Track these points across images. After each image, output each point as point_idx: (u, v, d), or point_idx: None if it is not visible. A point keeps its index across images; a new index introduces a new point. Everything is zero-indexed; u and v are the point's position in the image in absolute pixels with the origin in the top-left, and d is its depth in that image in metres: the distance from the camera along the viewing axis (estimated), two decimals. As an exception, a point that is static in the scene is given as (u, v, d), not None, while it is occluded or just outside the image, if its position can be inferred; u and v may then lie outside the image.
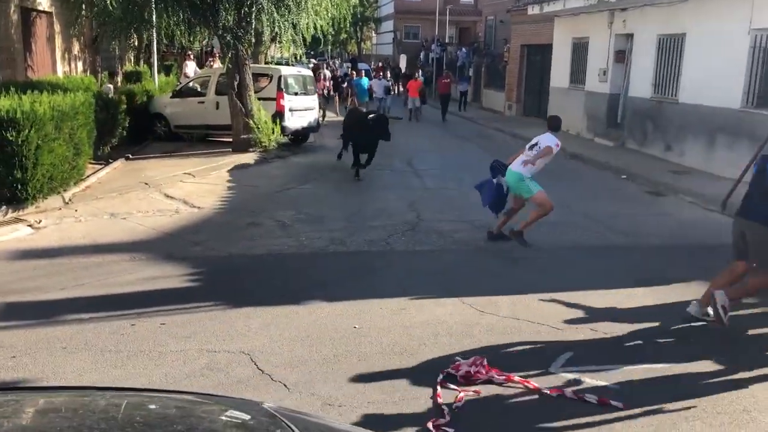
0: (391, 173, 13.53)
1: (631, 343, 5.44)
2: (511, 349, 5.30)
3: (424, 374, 4.83)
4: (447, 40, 41.92)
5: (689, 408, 4.41)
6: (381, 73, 28.01)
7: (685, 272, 7.41)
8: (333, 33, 20.01)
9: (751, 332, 5.82)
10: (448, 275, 7.21)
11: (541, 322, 5.87)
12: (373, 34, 60.58)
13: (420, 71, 29.34)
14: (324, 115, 23.13)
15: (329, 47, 47.84)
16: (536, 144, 8.30)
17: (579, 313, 6.11)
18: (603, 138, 17.32)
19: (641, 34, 15.83)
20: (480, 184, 8.87)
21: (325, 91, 24.58)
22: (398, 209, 10.32)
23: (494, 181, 8.58)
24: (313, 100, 17.65)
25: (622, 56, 16.94)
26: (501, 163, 8.68)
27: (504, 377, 4.71)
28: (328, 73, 27.67)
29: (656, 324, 5.89)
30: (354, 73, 26.89)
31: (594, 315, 6.07)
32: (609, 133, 17.26)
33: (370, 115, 13.07)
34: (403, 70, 32.80)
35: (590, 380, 4.78)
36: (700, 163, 13.52)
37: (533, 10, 20.32)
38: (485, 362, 4.83)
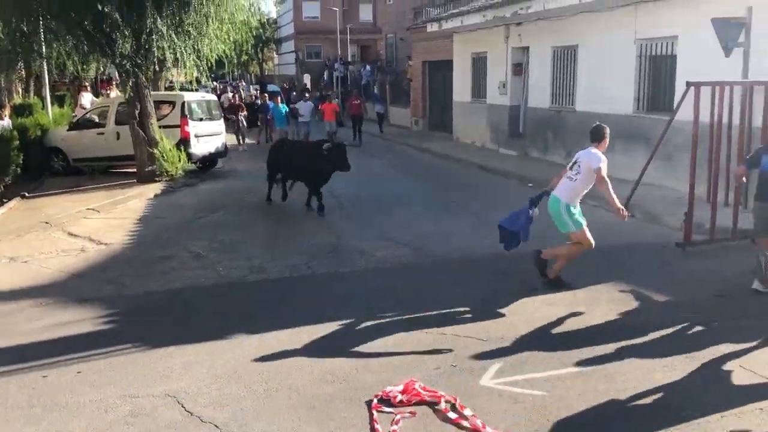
0: (306, 194, 13.42)
1: (559, 347, 5.60)
2: (441, 365, 5.33)
3: (358, 400, 4.78)
4: (350, 59, 42.32)
5: (622, 406, 4.58)
6: (307, 94, 25.93)
7: (599, 273, 7.72)
8: (236, 56, 19.56)
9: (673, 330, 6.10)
10: (373, 295, 7.20)
11: (468, 335, 5.95)
12: (275, 55, 60.34)
13: (333, 93, 28.72)
14: (242, 142, 22.54)
15: (232, 70, 47.16)
16: (576, 162, 7.19)
17: (504, 323, 6.24)
18: (507, 148, 17.89)
19: (536, 47, 16.50)
20: (512, 218, 7.58)
21: (242, 119, 22.78)
22: (317, 231, 10.25)
23: (530, 212, 7.46)
24: (219, 125, 17.34)
25: (519, 69, 17.59)
26: (541, 195, 7.63)
27: (434, 396, 4.70)
28: (233, 94, 27.03)
29: (580, 327, 6.10)
30: (266, 96, 25.34)
31: (518, 324, 6.21)
32: (512, 143, 17.85)
33: (325, 145, 11.42)
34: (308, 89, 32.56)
35: (519, 389, 4.87)
36: (599, 168, 14.16)
37: (432, 28, 20.80)
38: (415, 385, 4.82)
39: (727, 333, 5.84)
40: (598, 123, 7.38)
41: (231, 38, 15.13)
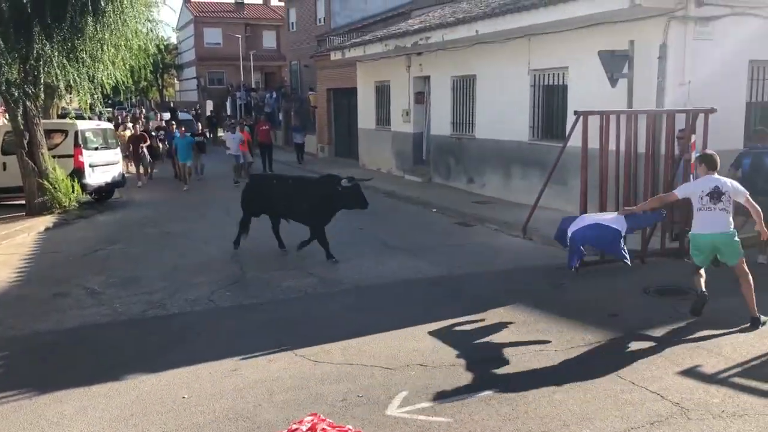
0: (212, 226, 13.10)
1: (462, 373, 5.68)
2: (348, 397, 5.29)
3: (263, 437, 4.67)
4: (253, 85, 41.98)
5: (526, 429, 4.68)
6: (232, 122, 23.69)
7: (502, 295, 7.92)
8: (133, 83, 18.78)
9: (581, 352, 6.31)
10: (278, 327, 7.08)
11: (374, 365, 5.94)
12: (176, 81, 58.99)
13: (243, 120, 25.73)
14: (150, 174, 20.78)
15: (129, 97, 45.61)
16: (724, 193, 6.73)
17: (410, 350, 6.27)
18: (412, 175, 18.19)
19: (437, 76, 16.95)
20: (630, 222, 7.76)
21: (146, 151, 20.25)
22: (220, 262, 10.01)
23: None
24: (115, 154, 16.73)
25: (421, 97, 18.00)
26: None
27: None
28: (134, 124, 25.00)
29: (483, 352, 6.21)
30: (173, 126, 22.96)
31: (423, 350, 6.27)
32: (417, 169, 18.18)
33: (344, 180, 9.91)
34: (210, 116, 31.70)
35: (425, 417, 4.90)
36: (499, 193, 14.66)
37: (335, 56, 20.99)
38: (323, 424, 4.72)
39: (621, 351, 6.12)
40: (709, 153, 7.33)
41: (127, 64, 14.68)
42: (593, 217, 8.19)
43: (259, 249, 10.90)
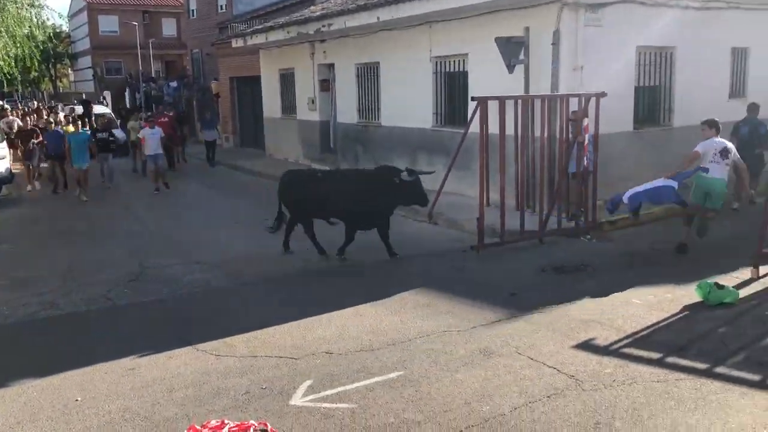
0: (111, 221, 12.55)
1: (368, 359, 5.69)
2: (251, 390, 5.19)
3: (161, 437, 4.51)
4: (153, 75, 40.47)
5: (429, 409, 4.73)
6: (150, 115, 20.21)
7: (407, 280, 7.99)
8: (20, 73, 17.48)
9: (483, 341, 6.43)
10: (179, 323, 6.86)
11: (279, 356, 5.86)
12: (70, 71, 56.10)
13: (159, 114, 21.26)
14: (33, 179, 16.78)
15: (18, 88, 42.96)
16: (728, 150, 8.75)
17: (316, 339, 6.22)
18: (319, 163, 18.00)
19: (341, 63, 16.86)
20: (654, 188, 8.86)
21: (36, 148, 16.87)
22: (119, 259, 9.60)
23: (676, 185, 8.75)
24: (1, 149, 15.72)
25: (327, 85, 17.86)
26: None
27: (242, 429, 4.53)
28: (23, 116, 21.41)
29: (388, 336, 6.24)
30: (61, 118, 19.23)
31: (329, 338, 6.23)
32: (324, 158, 18.05)
33: (404, 172, 9.10)
34: (108, 107, 29.35)
35: (329, 405, 4.88)
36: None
37: (237, 43, 20.50)
38: (224, 429, 4.54)
39: (520, 329, 6.30)
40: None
41: (11, 53, 13.79)
42: (644, 186, 9.05)
43: (161, 245, 10.53)
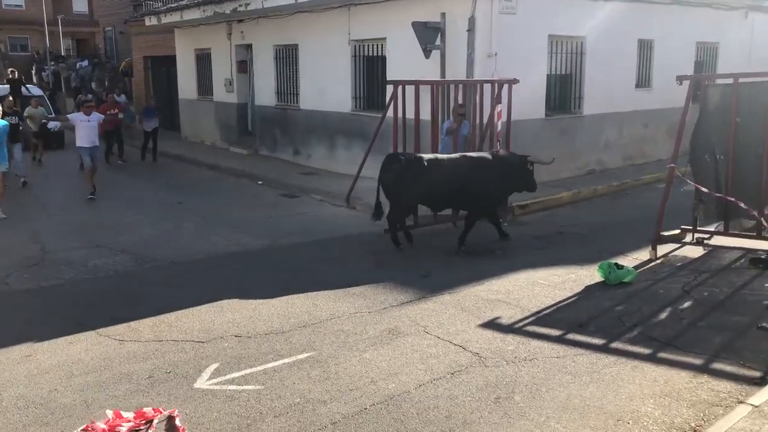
0: (11, 207, 11.90)
1: (277, 341, 5.64)
2: (155, 374, 5.07)
3: (61, 427, 4.34)
4: (63, 53, 38.60)
5: (335, 388, 4.75)
6: (87, 100, 16.18)
7: (322, 264, 7.98)
8: None
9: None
10: (81, 309, 6.61)
11: (185, 339, 5.74)
12: (-30, 47, 52.71)
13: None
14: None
15: None
16: None
17: (225, 322, 6.13)
18: (237, 147, 17.73)
19: (259, 44, 16.55)
20: None
21: None
22: (18, 243, 9.14)
23: None
24: None
25: (244, 66, 17.51)
26: None
27: (140, 419, 4.39)
28: None
29: (298, 319, 6.21)
30: None
31: (239, 321, 6.16)
32: (242, 141, 17.74)
33: (530, 156, 8.95)
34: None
35: (235, 387, 4.83)
36: (325, 164, 14.71)
37: (151, 21, 19.78)
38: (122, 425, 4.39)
39: (429, 309, 6.40)
40: None
41: None
42: None
43: (65, 227, 10.10)
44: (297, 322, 6.12)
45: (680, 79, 8.49)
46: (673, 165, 8.22)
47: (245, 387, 4.82)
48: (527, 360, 5.19)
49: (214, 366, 5.19)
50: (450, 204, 9.27)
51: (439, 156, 9.05)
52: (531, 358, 5.23)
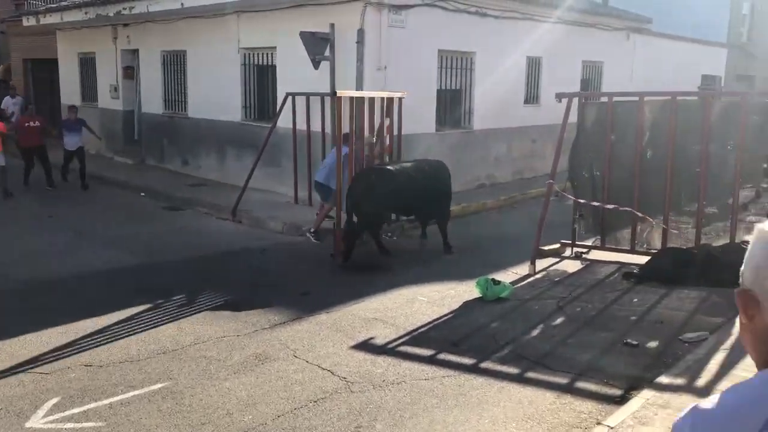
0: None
1: (131, 370, 5.21)
2: (-16, 412, 4.54)
3: None
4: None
5: (185, 423, 4.39)
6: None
7: (196, 282, 7.55)
8: None
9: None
10: None
11: (27, 370, 5.21)
12: None
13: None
14: None
15: None
16: None
17: (75, 350, 5.63)
18: (122, 156, 16.85)
19: (146, 50, 15.82)
20: None
21: None
22: None
23: None
24: None
25: (131, 72, 16.69)
26: None
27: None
28: None
29: (164, 342, 5.79)
30: None
31: (92, 348, 5.66)
32: (128, 150, 16.87)
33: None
34: None
35: (73, 424, 4.38)
36: (215, 175, 14.18)
37: (29, 22, 18.54)
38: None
39: (303, 331, 6.13)
40: None
41: None
42: None
43: None
44: (157, 348, 5.70)
45: (559, 96, 8.67)
46: (551, 181, 8.35)
47: (84, 424, 4.38)
48: (395, 383, 5.01)
49: (54, 401, 4.71)
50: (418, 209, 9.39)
51: (403, 164, 9.46)
52: (399, 381, 5.05)
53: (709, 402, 1.17)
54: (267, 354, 5.57)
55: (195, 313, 6.58)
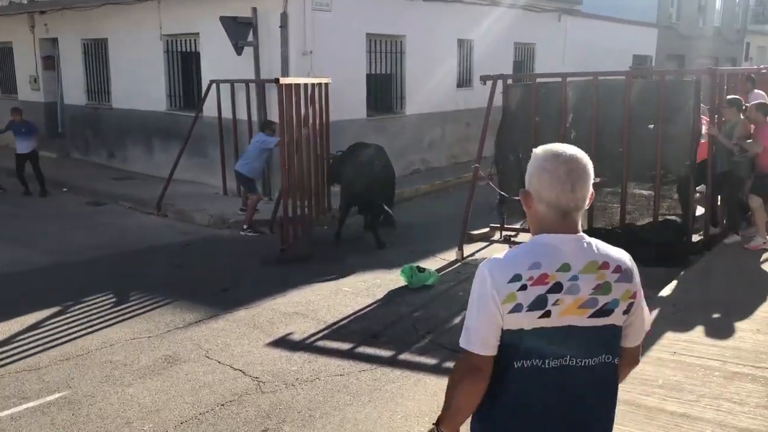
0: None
1: (29, 378, 4.89)
2: None
3: None
4: None
5: (73, 439, 4.12)
6: None
7: (114, 280, 7.21)
8: None
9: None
10: None
11: None
12: None
13: None
14: None
15: None
16: None
17: (-31, 361, 5.26)
18: (46, 150, 16.00)
19: (66, 38, 15.11)
20: None
21: None
22: None
23: None
24: None
25: (51, 62, 15.93)
26: None
27: None
28: None
29: (70, 347, 5.46)
30: None
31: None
32: (51, 143, 16.07)
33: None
34: None
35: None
36: (142, 167, 13.68)
37: (-63, 9, 17.50)
38: None
39: (219, 329, 5.89)
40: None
41: None
42: None
43: None
44: (60, 354, 5.37)
45: (484, 79, 8.57)
46: (477, 165, 8.26)
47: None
48: (309, 381, 4.83)
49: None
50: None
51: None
52: (313, 378, 4.87)
53: (500, 254, 1.94)
54: (177, 355, 5.31)
55: (105, 315, 6.26)
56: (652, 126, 7.75)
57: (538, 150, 1.94)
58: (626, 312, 1.89)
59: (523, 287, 1.81)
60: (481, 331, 1.85)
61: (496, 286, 1.83)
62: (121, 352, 5.40)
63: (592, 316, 1.84)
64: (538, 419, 1.86)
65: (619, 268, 1.87)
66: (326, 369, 5.02)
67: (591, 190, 1.91)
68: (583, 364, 1.85)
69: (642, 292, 1.94)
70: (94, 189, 12.46)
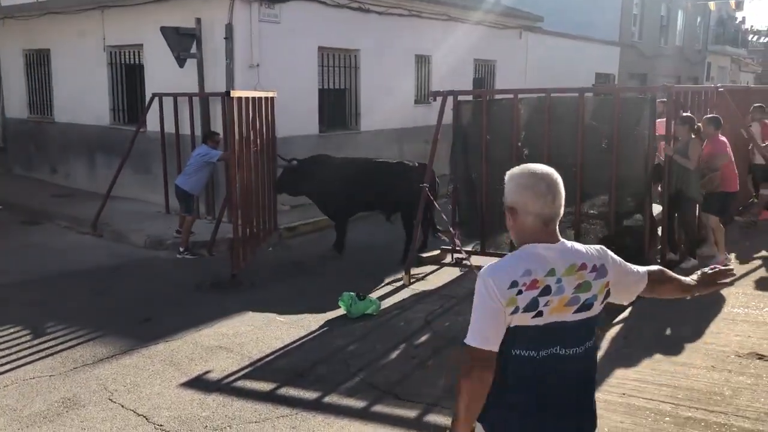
0: None
1: None
2: None
3: None
4: None
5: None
6: None
7: (19, 312, 6.58)
8: None
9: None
10: None
11: None
12: None
13: None
14: None
15: None
16: None
17: None
18: (-14, 165, 15.35)
19: (7, 49, 14.44)
20: None
21: None
22: None
23: None
24: None
25: (-8, 73, 15.24)
26: None
27: None
28: None
29: None
30: None
31: None
32: (-8, 159, 15.41)
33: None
34: None
35: None
36: (84, 184, 13.03)
37: None
38: None
39: (131, 366, 5.34)
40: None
41: None
42: None
43: None
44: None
45: (433, 95, 8.20)
46: (425, 185, 7.83)
47: None
48: (219, 429, 4.30)
49: None
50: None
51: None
52: (225, 426, 4.34)
53: (496, 261, 2.23)
54: (77, 398, 4.74)
55: (7, 351, 5.66)
56: (605, 144, 7.41)
57: (514, 170, 2.25)
58: (603, 302, 2.23)
59: (520, 292, 2.12)
60: (487, 330, 2.13)
61: (500, 291, 2.12)
62: (14, 395, 4.82)
63: (577, 311, 2.17)
64: (536, 400, 2.16)
65: (595, 267, 2.20)
66: (241, 415, 4.49)
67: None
68: (572, 352, 2.18)
69: (619, 266, 2.30)
70: (30, 207, 11.79)
